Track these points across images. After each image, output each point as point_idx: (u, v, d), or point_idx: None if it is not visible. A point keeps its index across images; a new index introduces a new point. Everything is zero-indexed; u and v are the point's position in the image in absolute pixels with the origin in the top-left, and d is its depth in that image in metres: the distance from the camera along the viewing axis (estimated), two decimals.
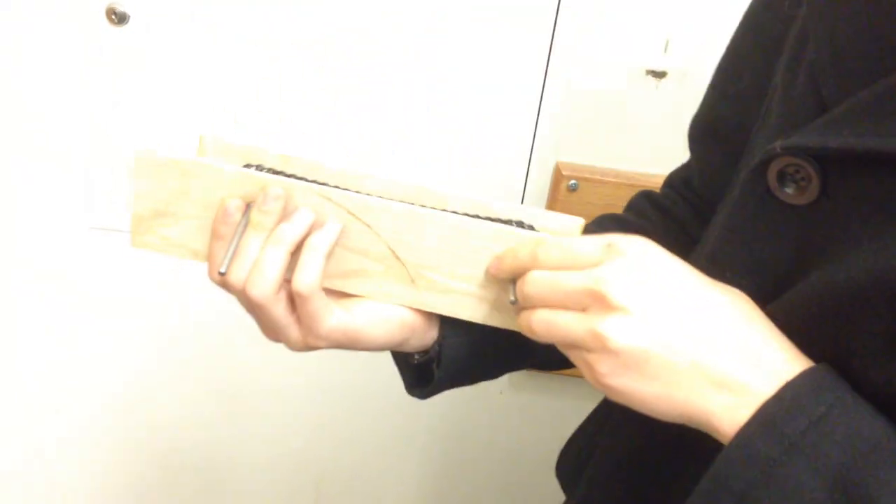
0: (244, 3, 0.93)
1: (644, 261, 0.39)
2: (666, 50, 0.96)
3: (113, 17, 0.93)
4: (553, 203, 1.01)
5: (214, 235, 0.46)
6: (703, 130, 0.59)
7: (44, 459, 1.23)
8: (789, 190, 0.40)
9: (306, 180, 0.47)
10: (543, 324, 0.41)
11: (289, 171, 0.48)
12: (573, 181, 0.99)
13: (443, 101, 0.98)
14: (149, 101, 0.98)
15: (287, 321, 0.46)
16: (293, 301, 0.46)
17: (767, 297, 0.41)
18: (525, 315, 0.42)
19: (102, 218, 1.05)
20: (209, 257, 0.47)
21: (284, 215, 0.45)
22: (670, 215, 0.61)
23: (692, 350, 0.37)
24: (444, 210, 0.48)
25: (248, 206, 0.45)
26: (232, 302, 0.48)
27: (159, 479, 1.26)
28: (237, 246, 0.45)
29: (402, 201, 0.47)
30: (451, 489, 1.28)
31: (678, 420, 0.39)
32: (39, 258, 1.09)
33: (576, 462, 0.60)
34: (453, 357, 0.51)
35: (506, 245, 0.45)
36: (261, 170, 0.47)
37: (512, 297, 0.44)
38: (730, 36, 0.57)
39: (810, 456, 0.34)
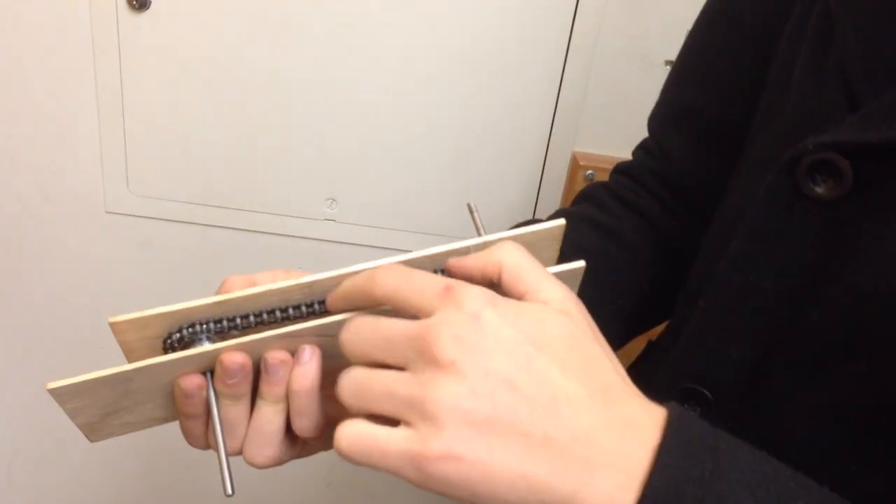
0: None
1: (481, 318, 0.32)
2: None
3: (133, 2, 0.93)
4: (570, 193, 1.01)
5: (183, 415, 0.40)
6: (674, 118, 0.58)
7: (64, 436, 1.25)
8: (820, 189, 0.39)
9: (255, 320, 0.40)
10: (353, 386, 0.34)
11: (226, 315, 0.40)
12: (590, 171, 0.99)
13: (461, 91, 0.98)
14: (167, 87, 0.98)
15: (293, 455, 0.42)
16: (296, 440, 0.41)
17: (792, 301, 0.41)
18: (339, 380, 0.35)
19: (118, 202, 1.06)
20: (185, 433, 0.41)
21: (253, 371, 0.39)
22: (637, 210, 0.59)
23: (543, 422, 0.31)
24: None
25: (207, 374, 0.38)
26: None
27: (169, 469, 1.28)
28: (220, 421, 0.38)
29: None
30: None
31: None
32: (56, 241, 1.10)
33: None
34: None
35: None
36: (194, 331, 0.39)
37: None
38: None
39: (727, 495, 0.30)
